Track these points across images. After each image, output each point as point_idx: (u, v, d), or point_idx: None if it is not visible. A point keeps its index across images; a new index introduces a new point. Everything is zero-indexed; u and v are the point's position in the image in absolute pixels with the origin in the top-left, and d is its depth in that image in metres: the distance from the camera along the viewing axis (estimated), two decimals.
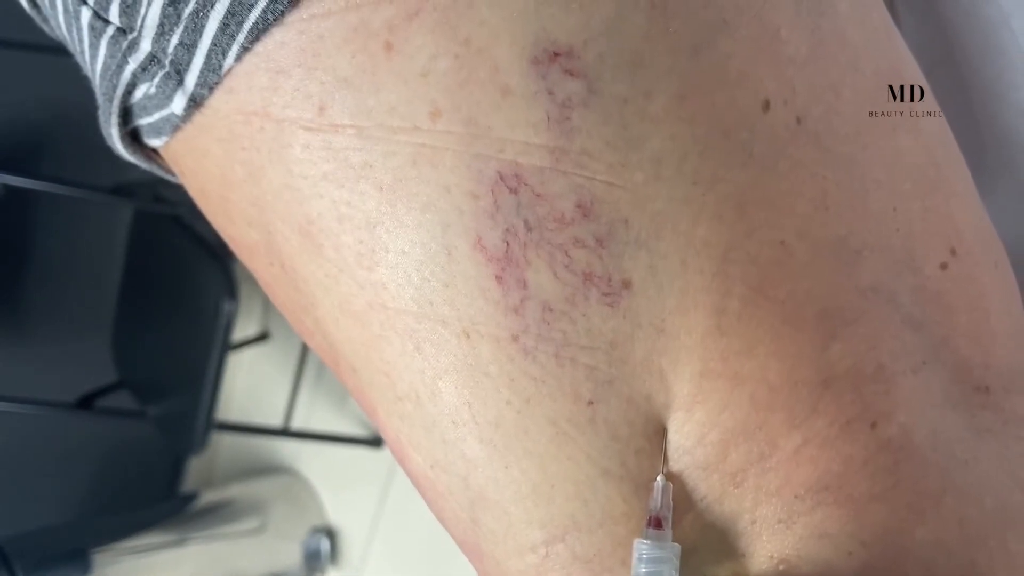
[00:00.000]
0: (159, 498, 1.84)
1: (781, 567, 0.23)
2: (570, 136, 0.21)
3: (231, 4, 0.22)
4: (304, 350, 1.60)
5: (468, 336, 0.23)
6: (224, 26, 0.22)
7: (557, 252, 0.22)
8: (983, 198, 0.34)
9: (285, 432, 1.58)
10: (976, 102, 0.39)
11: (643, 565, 0.22)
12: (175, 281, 1.34)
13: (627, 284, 0.22)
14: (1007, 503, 0.23)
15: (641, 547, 0.22)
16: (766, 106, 0.22)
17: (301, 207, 0.24)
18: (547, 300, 0.22)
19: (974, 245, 0.25)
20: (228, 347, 1.24)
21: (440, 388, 0.24)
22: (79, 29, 0.26)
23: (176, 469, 1.88)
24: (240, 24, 0.22)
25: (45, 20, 0.29)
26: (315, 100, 0.22)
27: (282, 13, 0.22)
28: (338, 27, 0.21)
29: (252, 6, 0.22)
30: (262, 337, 1.79)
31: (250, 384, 1.85)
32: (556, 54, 0.21)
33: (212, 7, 0.22)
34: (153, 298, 1.41)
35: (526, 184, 0.22)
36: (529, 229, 0.22)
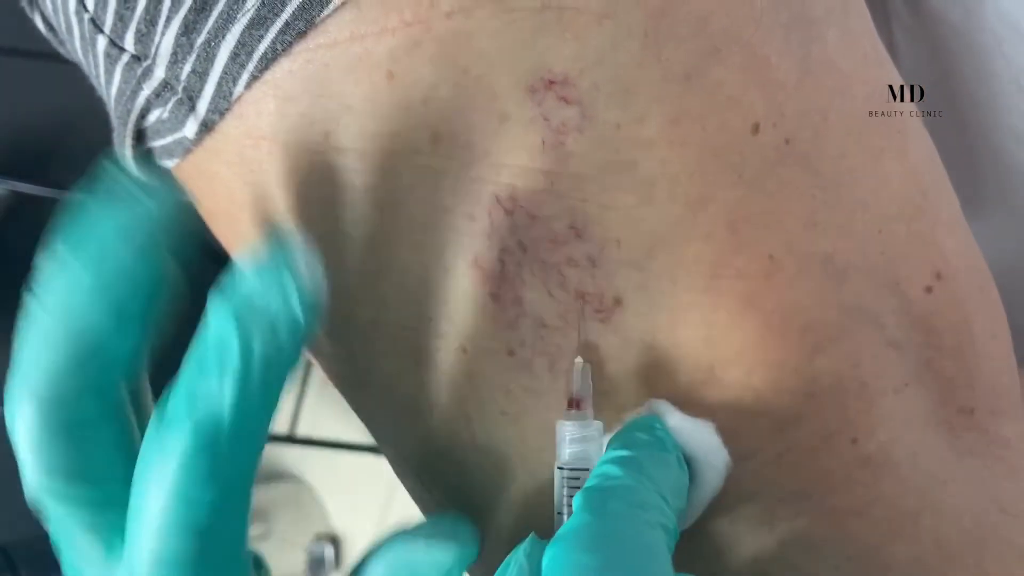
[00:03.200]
0: None
1: (761, 570, 0.23)
2: (564, 160, 0.22)
3: (241, 35, 0.23)
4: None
5: (465, 351, 0.24)
6: (235, 55, 0.23)
7: (551, 271, 0.23)
8: (977, 221, 0.35)
9: (290, 439, 1.59)
10: (970, 126, 0.39)
11: (568, 446, 0.22)
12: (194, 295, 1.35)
13: (619, 302, 0.23)
14: (985, 523, 0.23)
15: (564, 428, 0.22)
16: (756, 129, 0.23)
17: (306, 229, 0.24)
18: (541, 316, 0.23)
19: (959, 269, 0.26)
20: None
21: (441, 400, 0.25)
22: (95, 55, 0.27)
23: None
24: (250, 54, 0.23)
25: (61, 43, 0.30)
26: (320, 126, 0.23)
27: (290, 44, 0.22)
28: (343, 56, 0.22)
29: (262, 37, 0.23)
30: None
31: None
32: (552, 82, 0.22)
33: (223, 38, 0.23)
34: None
35: (521, 206, 0.22)
36: (524, 249, 0.23)
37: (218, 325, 0.20)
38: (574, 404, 0.22)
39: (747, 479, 0.23)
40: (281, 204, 0.25)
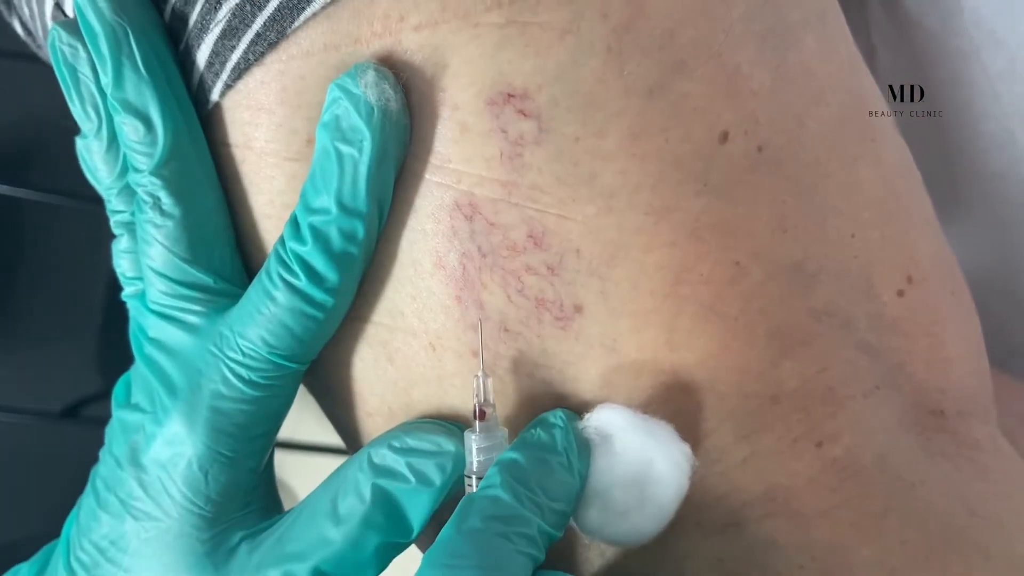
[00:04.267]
0: None
1: (729, 570, 0.23)
2: (521, 172, 0.22)
3: (215, 44, 0.23)
4: None
5: (434, 349, 0.24)
6: (209, 64, 0.23)
7: (510, 277, 0.23)
8: (953, 225, 0.35)
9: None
10: (947, 130, 0.40)
11: (475, 455, 0.23)
12: None
13: (579, 309, 0.23)
14: (952, 526, 0.23)
15: (470, 439, 0.23)
16: (724, 138, 0.23)
17: (279, 232, 0.24)
18: (503, 321, 0.23)
19: (931, 273, 0.26)
20: None
21: (413, 396, 0.25)
22: None
23: None
24: (223, 63, 0.23)
25: (39, 47, 0.30)
26: (302, 135, 0.23)
27: (262, 54, 0.23)
28: (320, 67, 0.23)
29: (234, 47, 0.23)
30: None
31: None
32: (511, 95, 0.22)
33: (198, 48, 0.23)
34: None
35: (480, 213, 0.23)
36: (483, 255, 0.23)
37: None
38: (479, 415, 0.23)
39: (713, 482, 0.23)
40: (256, 211, 0.25)
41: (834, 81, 0.25)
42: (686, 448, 0.22)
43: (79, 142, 0.25)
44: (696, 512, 0.23)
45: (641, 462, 0.22)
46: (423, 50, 0.22)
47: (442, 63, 0.22)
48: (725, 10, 0.23)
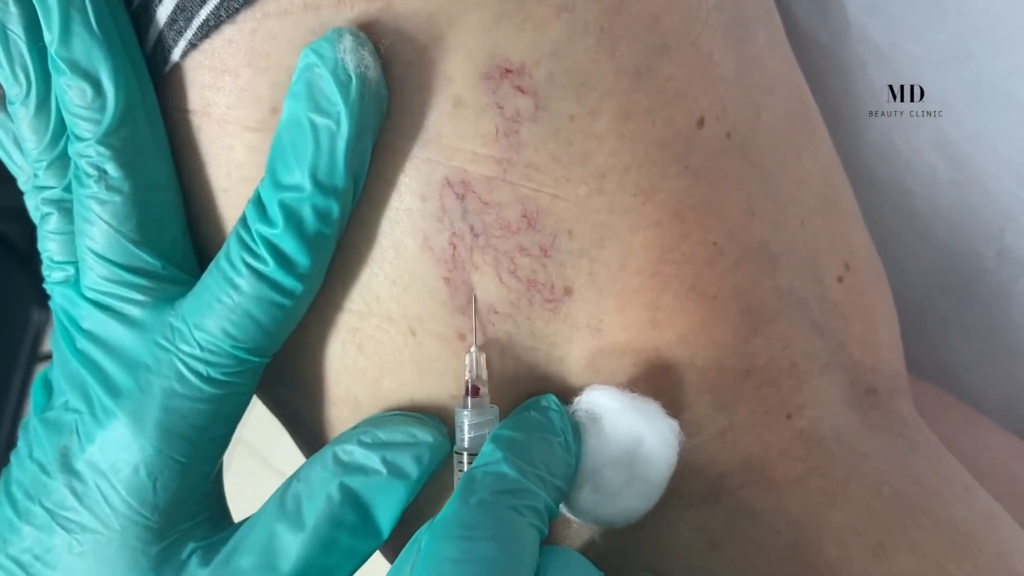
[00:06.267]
0: None
1: (710, 539, 0.24)
2: (518, 149, 0.22)
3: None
4: None
5: (414, 333, 0.23)
6: (172, 21, 0.21)
7: (503, 258, 0.22)
8: None
9: None
10: (835, 139, 0.43)
11: (467, 432, 0.22)
12: None
13: (568, 291, 0.23)
14: (902, 493, 0.25)
15: (462, 415, 0.22)
16: (701, 123, 0.23)
17: (239, 209, 0.23)
18: (492, 303, 0.23)
19: (864, 261, 0.28)
20: (36, 360, 1.14)
21: (383, 386, 0.23)
22: None
23: None
24: (189, 20, 0.21)
25: None
26: (266, 102, 0.22)
27: (236, 10, 0.21)
28: (295, 28, 0.21)
29: (204, 2, 0.21)
30: None
31: None
32: (508, 71, 0.22)
33: (160, 2, 0.21)
34: None
35: (473, 192, 0.22)
36: (476, 235, 0.22)
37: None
38: (471, 391, 0.22)
39: (693, 455, 0.24)
40: (211, 183, 0.23)
41: (781, 75, 0.27)
42: (674, 424, 0.22)
43: None
44: (677, 484, 0.23)
45: (631, 441, 0.22)
46: (415, 17, 0.21)
47: (436, 33, 0.21)
48: None
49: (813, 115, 0.28)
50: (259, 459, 1.40)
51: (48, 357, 1.53)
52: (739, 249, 0.24)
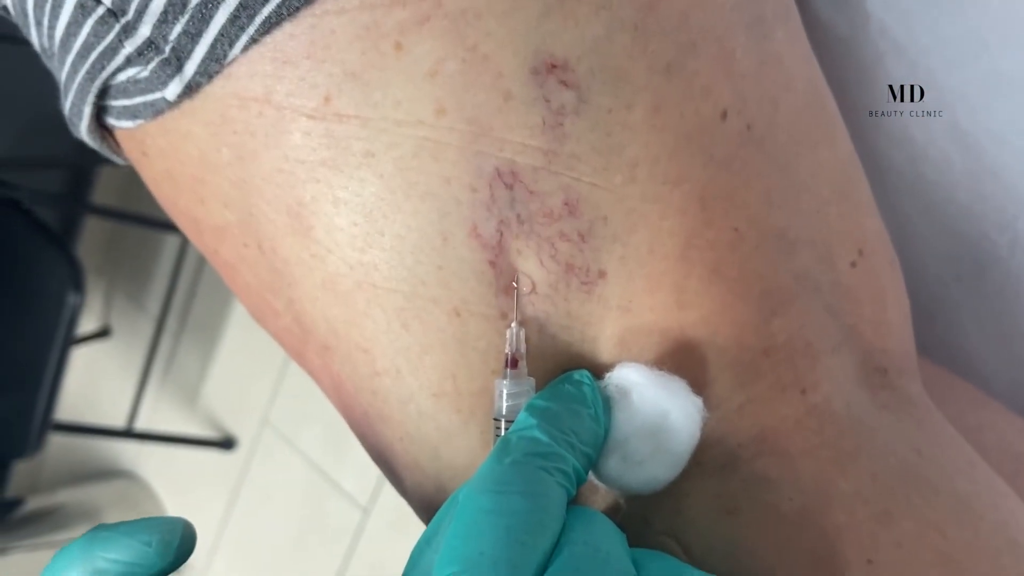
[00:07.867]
0: None
1: (726, 505, 0.25)
2: (562, 140, 0.24)
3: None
4: (151, 349, 1.52)
5: (459, 314, 0.25)
6: (234, 18, 0.23)
7: (544, 244, 0.24)
8: None
9: (128, 433, 1.50)
10: (852, 129, 0.44)
11: (504, 400, 0.24)
12: (11, 270, 1.25)
13: (602, 274, 0.25)
14: (907, 463, 0.27)
15: (501, 384, 0.24)
16: (724, 115, 0.25)
17: (293, 190, 0.24)
18: (533, 284, 0.24)
19: (876, 247, 0.30)
20: (71, 342, 1.17)
21: (425, 362, 0.25)
22: (60, 5, 0.25)
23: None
24: (251, 17, 0.23)
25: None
26: (321, 90, 0.23)
27: (297, 8, 0.23)
28: (351, 24, 0.23)
29: (266, 2, 0.23)
30: (103, 333, 1.69)
31: (83, 383, 1.73)
32: (553, 66, 0.23)
33: (220, 5, 0.23)
34: None
35: (521, 181, 0.24)
36: (521, 222, 0.24)
37: None
38: (511, 363, 0.24)
39: (713, 427, 0.25)
40: (267, 166, 0.25)
41: (799, 71, 0.28)
42: (698, 400, 0.24)
43: None
44: (697, 453, 0.25)
45: (657, 414, 0.24)
46: (465, 15, 0.23)
47: (485, 29, 0.23)
48: None
49: (829, 108, 0.30)
50: (286, 442, 1.43)
51: (82, 340, 1.56)
52: (759, 235, 0.26)
